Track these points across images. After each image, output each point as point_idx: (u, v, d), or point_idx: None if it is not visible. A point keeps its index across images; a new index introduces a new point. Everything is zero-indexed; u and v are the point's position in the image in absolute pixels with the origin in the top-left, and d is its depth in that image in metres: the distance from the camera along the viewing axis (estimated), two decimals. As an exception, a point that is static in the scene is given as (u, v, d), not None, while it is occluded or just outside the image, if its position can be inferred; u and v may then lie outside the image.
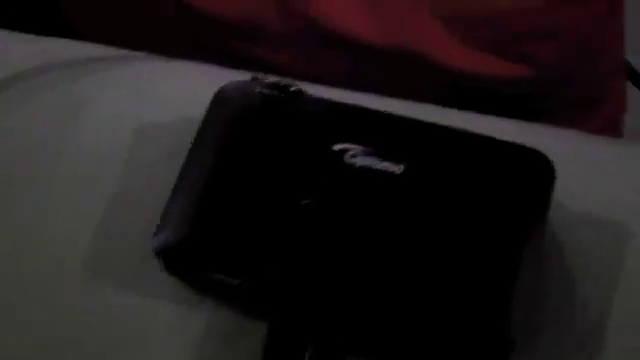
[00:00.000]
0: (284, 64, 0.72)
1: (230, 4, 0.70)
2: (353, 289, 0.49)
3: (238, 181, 0.52)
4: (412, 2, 0.68)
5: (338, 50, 0.71)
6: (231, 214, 0.51)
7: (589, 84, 0.72)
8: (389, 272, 0.49)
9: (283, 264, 0.50)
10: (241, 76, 0.56)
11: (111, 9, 0.76)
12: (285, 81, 0.55)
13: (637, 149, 0.63)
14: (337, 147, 0.52)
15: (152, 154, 0.58)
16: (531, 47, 0.67)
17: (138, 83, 0.62)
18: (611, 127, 0.78)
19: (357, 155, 0.52)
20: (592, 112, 0.74)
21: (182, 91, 0.61)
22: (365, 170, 0.51)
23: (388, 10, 0.69)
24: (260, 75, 0.56)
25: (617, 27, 0.72)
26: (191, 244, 0.50)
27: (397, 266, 0.49)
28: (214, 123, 0.54)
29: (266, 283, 0.50)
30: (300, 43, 0.72)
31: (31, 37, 0.65)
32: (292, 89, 0.55)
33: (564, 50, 0.68)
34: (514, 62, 0.67)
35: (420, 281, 0.49)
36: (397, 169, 0.51)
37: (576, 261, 0.54)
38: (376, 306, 0.49)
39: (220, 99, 0.54)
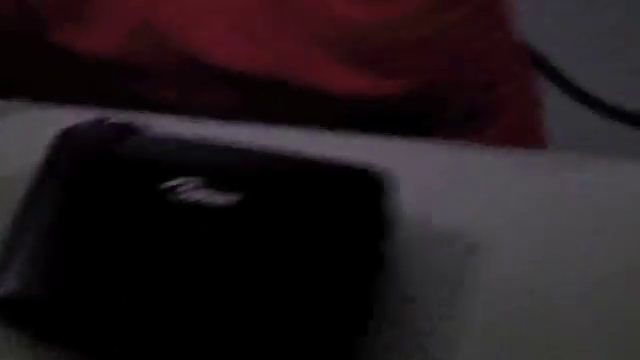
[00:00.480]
0: (174, 101, 0.72)
1: (107, 44, 0.70)
2: (195, 333, 0.49)
3: (69, 230, 0.51)
4: (278, 27, 0.68)
5: (223, 84, 0.71)
6: (62, 263, 0.50)
7: (473, 96, 0.71)
8: (231, 310, 0.49)
9: (116, 310, 0.49)
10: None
11: (13, 62, 0.76)
12: (126, 119, 0.55)
13: (504, 159, 0.62)
14: (167, 184, 0.51)
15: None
16: (399, 61, 0.67)
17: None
18: (516, 138, 0.77)
19: (188, 190, 0.51)
20: (485, 123, 0.73)
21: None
22: (196, 205, 0.51)
23: (259, 38, 0.68)
24: (105, 115, 0.56)
25: (497, 37, 0.72)
26: (19, 299, 0.50)
27: (236, 302, 0.49)
28: (49, 167, 0.53)
29: (102, 330, 0.50)
30: (185, 79, 0.72)
31: None
32: (132, 127, 0.55)
33: (434, 62, 0.67)
34: (386, 78, 0.67)
35: (258, 311, 0.49)
36: (230, 201, 0.51)
37: (429, 276, 0.54)
38: (219, 347, 0.49)
39: (58, 142, 0.54)
